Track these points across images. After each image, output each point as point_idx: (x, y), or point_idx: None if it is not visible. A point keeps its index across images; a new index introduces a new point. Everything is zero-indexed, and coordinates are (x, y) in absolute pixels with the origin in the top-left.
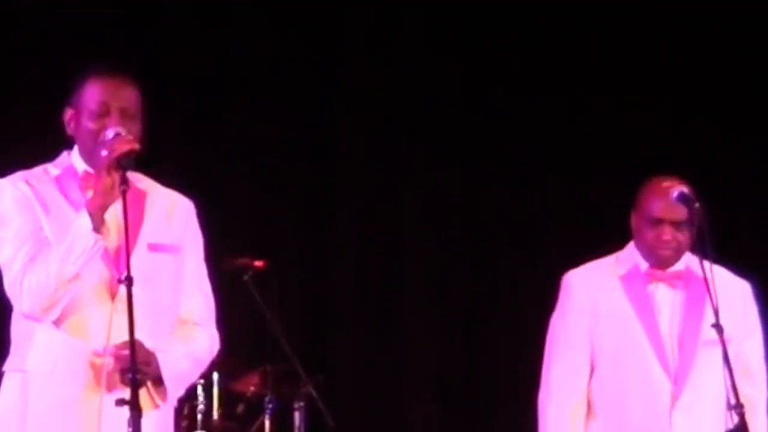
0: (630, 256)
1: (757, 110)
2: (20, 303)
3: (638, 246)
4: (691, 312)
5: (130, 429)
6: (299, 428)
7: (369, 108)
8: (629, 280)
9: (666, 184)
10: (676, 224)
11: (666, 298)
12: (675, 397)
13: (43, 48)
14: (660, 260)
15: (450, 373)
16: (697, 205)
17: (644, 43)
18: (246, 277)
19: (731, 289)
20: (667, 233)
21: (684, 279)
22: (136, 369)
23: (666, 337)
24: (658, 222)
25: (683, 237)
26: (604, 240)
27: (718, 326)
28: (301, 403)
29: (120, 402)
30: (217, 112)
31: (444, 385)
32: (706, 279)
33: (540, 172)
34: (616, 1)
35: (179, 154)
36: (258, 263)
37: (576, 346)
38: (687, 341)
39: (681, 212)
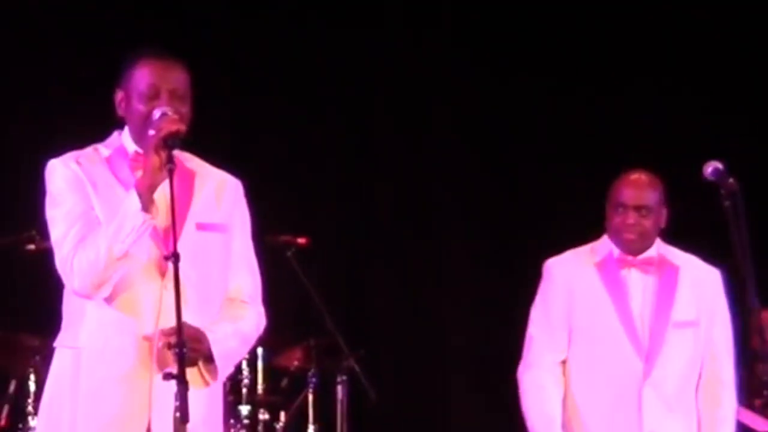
0: (604, 244)
1: None
2: (71, 281)
3: (609, 234)
4: (662, 296)
5: (177, 403)
6: (341, 401)
7: (406, 92)
8: (604, 266)
9: (633, 174)
10: (640, 209)
11: (638, 282)
12: (646, 374)
13: (90, 32)
14: (625, 244)
15: (487, 348)
16: (731, 180)
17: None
18: (289, 254)
19: (703, 276)
20: (631, 217)
21: (656, 265)
22: (183, 344)
23: (638, 319)
24: (623, 207)
25: (648, 222)
26: None
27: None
28: (344, 377)
29: (167, 376)
30: (263, 96)
31: (481, 359)
32: (741, 250)
33: (568, 163)
34: None
35: (226, 136)
36: (301, 240)
37: (555, 326)
38: (657, 323)
39: (644, 198)
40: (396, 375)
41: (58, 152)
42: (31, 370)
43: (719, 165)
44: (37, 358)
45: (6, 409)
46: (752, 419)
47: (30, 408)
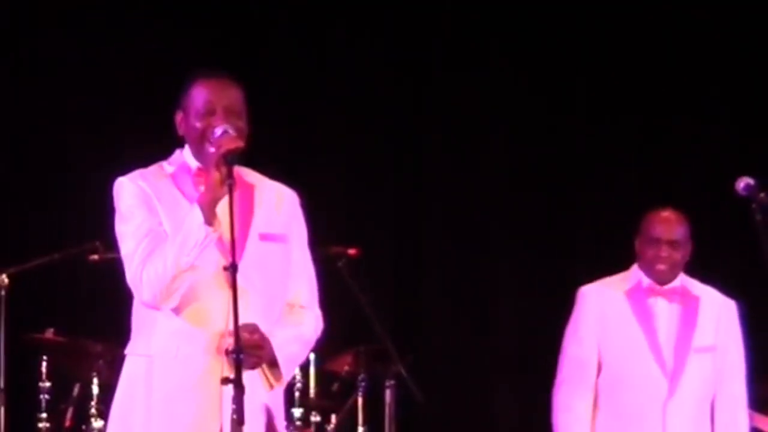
0: (634, 274)
1: None
2: (141, 293)
3: (641, 265)
4: (685, 323)
5: (234, 406)
6: (390, 405)
7: (455, 106)
8: (633, 294)
9: (665, 212)
10: (672, 243)
11: (664, 310)
12: (670, 393)
13: (155, 57)
14: (658, 275)
15: (533, 354)
16: (762, 194)
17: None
18: (340, 264)
19: (719, 306)
20: (664, 251)
21: (680, 294)
22: (240, 350)
23: (664, 344)
24: (657, 241)
25: (678, 255)
26: None
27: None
28: (392, 382)
29: (225, 380)
30: (318, 113)
31: (526, 365)
32: None
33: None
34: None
35: (281, 151)
36: (351, 251)
37: (586, 348)
38: (681, 347)
39: (676, 233)
40: (443, 380)
41: (122, 167)
42: (94, 374)
43: (751, 181)
44: (100, 362)
45: (71, 411)
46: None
47: (93, 410)
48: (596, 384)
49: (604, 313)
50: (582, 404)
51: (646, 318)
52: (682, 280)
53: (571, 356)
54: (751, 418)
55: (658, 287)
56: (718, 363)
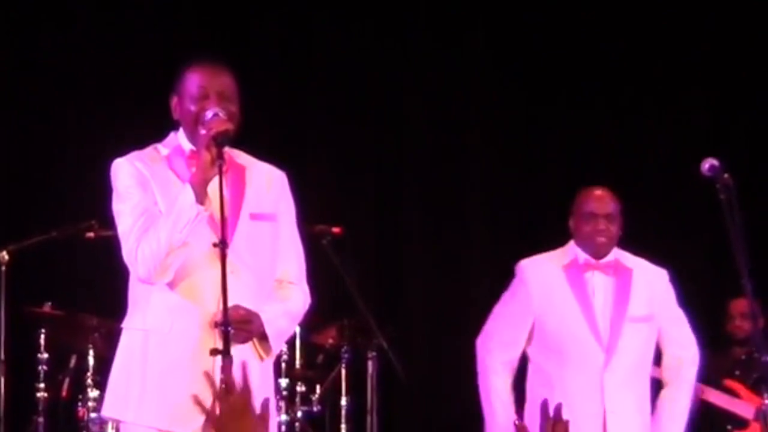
0: (571, 250)
1: None
2: (136, 269)
3: (577, 242)
4: (619, 295)
5: (223, 375)
6: (372, 376)
7: (434, 92)
8: (570, 269)
9: (597, 189)
10: (608, 216)
11: (600, 283)
12: (606, 363)
13: (150, 45)
14: (598, 247)
15: None
16: (726, 175)
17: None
18: (324, 242)
19: (651, 276)
20: (602, 224)
21: (614, 267)
22: (228, 323)
23: (599, 316)
24: (593, 216)
25: (614, 228)
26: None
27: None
28: (374, 353)
29: (214, 351)
30: (304, 100)
31: None
32: (736, 241)
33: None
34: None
35: (272, 134)
36: (335, 229)
37: (518, 313)
38: (616, 318)
39: (611, 207)
40: (422, 351)
41: (117, 149)
42: (90, 346)
43: (715, 162)
44: (96, 335)
45: (67, 381)
46: (719, 398)
47: (89, 381)
48: (533, 355)
49: (542, 286)
50: (502, 356)
51: (582, 291)
52: (616, 253)
53: (501, 317)
54: (701, 391)
55: (593, 261)
56: (654, 331)
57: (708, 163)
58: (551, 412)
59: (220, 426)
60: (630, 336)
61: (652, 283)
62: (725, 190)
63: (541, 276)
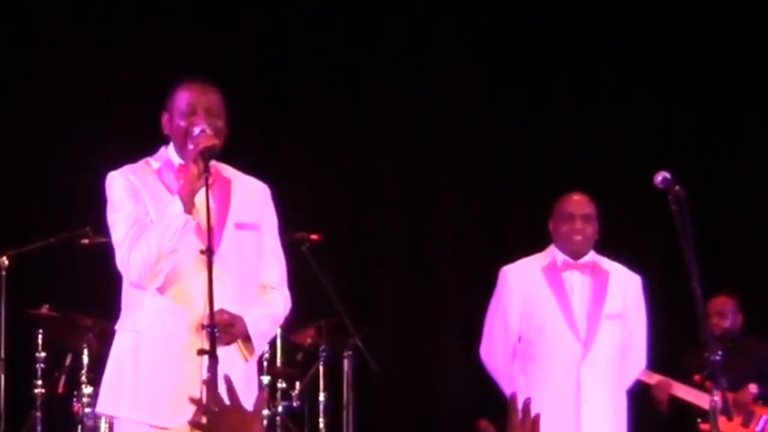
0: (550, 252)
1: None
2: (129, 274)
3: (556, 243)
4: (596, 293)
5: (209, 374)
6: (348, 373)
7: (408, 102)
8: (549, 270)
9: (575, 194)
10: (584, 217)
11: (578, 282)
12: (583, 356)
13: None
14: (575, 245)
15: (478, 329)
16: (677, 187)
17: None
18: (304, 248)
19: (626, 279)
20: (579, 224)
21: (591, 268)
22: (213, 325)
23: (577, 313)
24: (571, 217)
25: (590, 229)
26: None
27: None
28: (350, 352)
29: (201, 352)
30: (285, 113)
31: (472, 341)
32: (687, 248)
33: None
34: None
35: (251, 148)
36: (314, 236)
37: (508, 317)
38: (593, 315)
39: (587, 209)
40: (395, 350)
41: (111, 162)
42: (85, 345)
43: (668, 174)
44: (90, 335)
45: (63, 378)
46: (686, 392)
47: (84, 378)
48: (517, 351)
49: (523, 288)
50: (505, 357)
51: (560, 290)
52: (593, 256)
53: (494, 323)
54: (669, 387)
55: (572, 262)
56: (626, 331)
57: (660, 176)
58: (519, 406)
59: (212, 425)
60: (605, 331)
61: (626, 285)
62: (676, 201)
63: (522, 278)
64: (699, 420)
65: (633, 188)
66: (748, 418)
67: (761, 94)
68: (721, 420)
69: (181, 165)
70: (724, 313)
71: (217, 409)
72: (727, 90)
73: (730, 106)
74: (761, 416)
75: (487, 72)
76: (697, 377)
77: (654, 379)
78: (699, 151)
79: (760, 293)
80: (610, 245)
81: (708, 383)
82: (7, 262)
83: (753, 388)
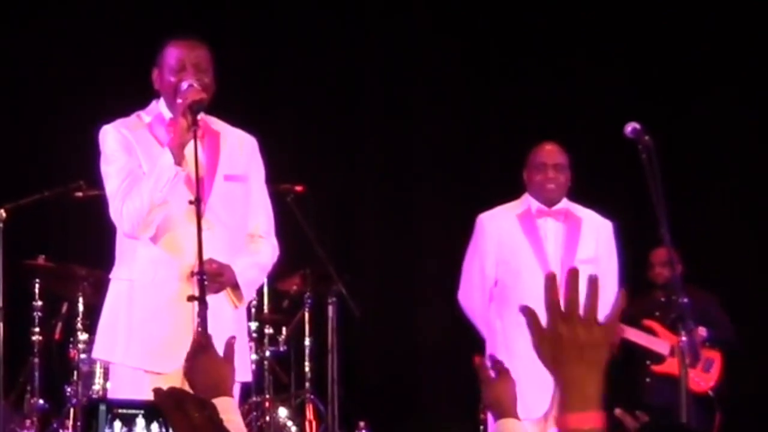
0: (524, 200)
1: None
2: (122, 225)
3: (530, 192)
4: (569, 239)
5: (199, 319)
6: (332, 319)
7: (389, 60)
8: (524, 217)
9: (547, 144)
10: (556, 166)
11: (551, 228)
12: None
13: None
14: (548, 193)
15: (454, 276)
16: (647, 137)
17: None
18: (289, 199)
19: (598, 225)
20: (551, 173)
21: (564, 215)
22: (203, 273)
23: (551, 257)
24: (544, 166)
25: (563, 177)
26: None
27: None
28: (333, 299)
29: (191, 298)
30: (273, 71)
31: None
32: (656, 196)
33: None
34: None
35: (241, 100)
36: (298, 188)
37: (485, 263)
38: (566, 260)
39: (560, 158)
40: (376, 297)
41: (104, 116)
42: (80, 294)
43: (637, 125)
44: (85, 284)
45: (59, 325)
46: (638, 336)
47: (79, 325)
48: (494, 295)
49: (499, 235)
50: (482, 301)
51: (535, 236)
52: (567, 203)
53: (472, 268)
54: (621, 330)
55: (545, 209)
56: (597, 271)
57: (630, 126)
58: (489, 364)
59: (186, 370)
60: (579, 276)
61: (599, 230)
62: (646, 150)
63: (498, 225)
64: (648, 362)
65: (604, 138)
66: (695, 360)
67: (725, 49)
68: (674, 361)
69: (171, 119)
70: (667, 263)
71: (190, 353)
72: (693, 44)
73: (695, 61)
74: (707, 358)
75: (463, 30)
76: (647, 321)
77: None
78: (666, 103)
79: (697, 245)
80: (582, 193)
81: (661, 326)
82: (4, 215)
83: (702, 331)
